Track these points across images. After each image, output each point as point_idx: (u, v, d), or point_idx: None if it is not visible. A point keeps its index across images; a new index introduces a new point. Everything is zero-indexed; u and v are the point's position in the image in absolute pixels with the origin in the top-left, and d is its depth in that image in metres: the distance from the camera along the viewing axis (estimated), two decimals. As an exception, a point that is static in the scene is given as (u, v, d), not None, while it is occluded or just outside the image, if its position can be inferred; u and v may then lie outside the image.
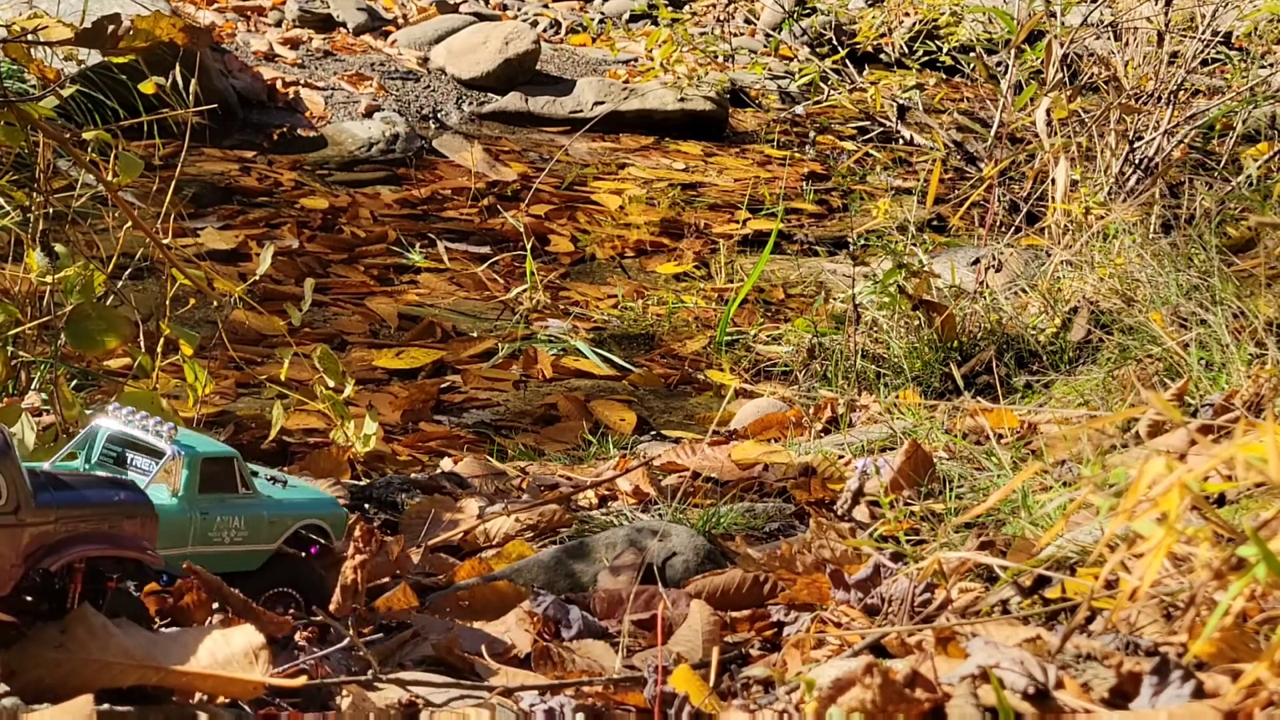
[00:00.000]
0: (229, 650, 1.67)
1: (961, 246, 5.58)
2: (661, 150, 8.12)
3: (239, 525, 2.20)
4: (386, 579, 2.63)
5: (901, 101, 7.18)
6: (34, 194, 3.04)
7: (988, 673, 1.60)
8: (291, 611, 2.22)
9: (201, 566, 2.09)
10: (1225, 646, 1.62)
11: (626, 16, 10.61)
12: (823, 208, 7.21)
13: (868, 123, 7.33)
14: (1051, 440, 3.33)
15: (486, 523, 2.87)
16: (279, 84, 8.01)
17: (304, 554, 2.30)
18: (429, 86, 8.54)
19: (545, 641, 2.26)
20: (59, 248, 2.80)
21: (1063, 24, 5.74)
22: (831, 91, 7.31)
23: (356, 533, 2.31)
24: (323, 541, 2.33)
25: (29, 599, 1.69)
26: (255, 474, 2.31)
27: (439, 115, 8.28)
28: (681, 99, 8.37)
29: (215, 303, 3.07)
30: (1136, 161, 5.58)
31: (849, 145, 8.03)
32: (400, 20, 9.59)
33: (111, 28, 2.47)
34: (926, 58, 7.71)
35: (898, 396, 4.05)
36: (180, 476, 2.14)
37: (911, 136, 7.16)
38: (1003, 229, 5.36)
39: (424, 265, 5.89)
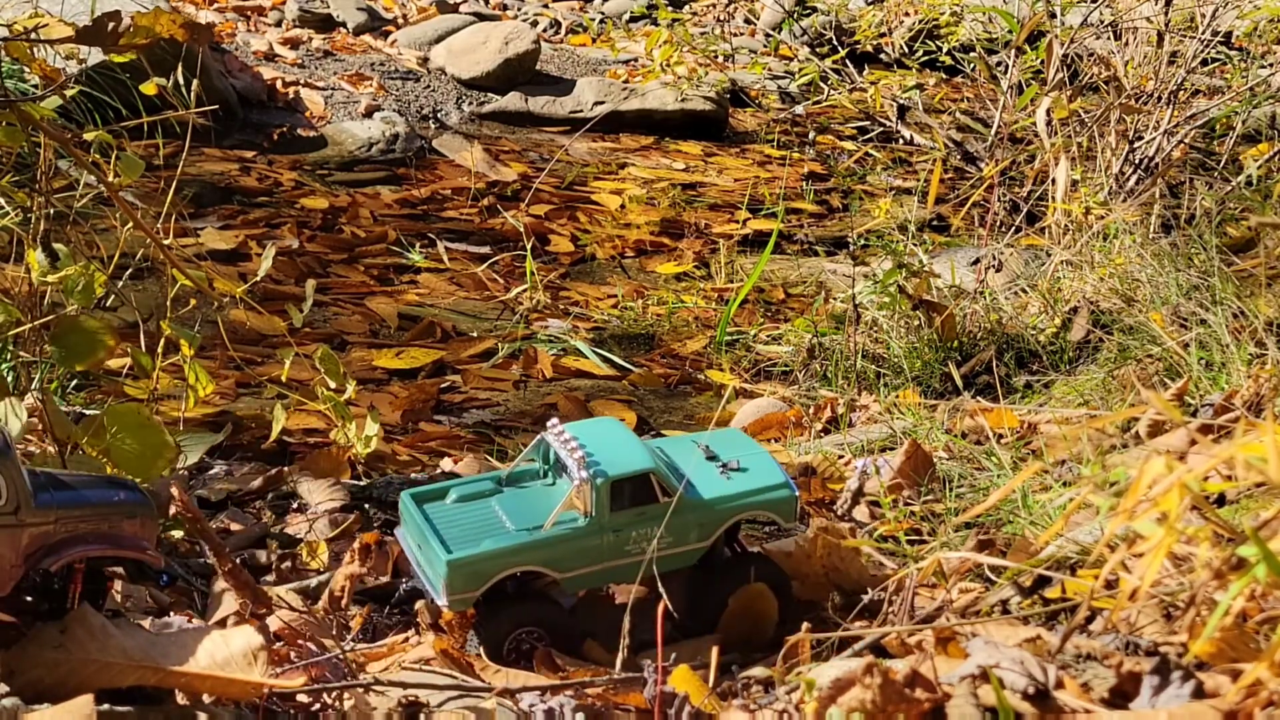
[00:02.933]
0: (228, 651, 1.67)
1: (961, 246, 5.58)
2: (661, 150, 8.12)
3: (661, 533, 2.29)
4: (387, 578, 2.63)
5: (901, 101, 7.18)
6: (35, 194, 3.04)
7: (988, 673, 1.60)
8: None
9: (626, 577, 2.29)
10: (1225, 646, 1.62)
11: (626, 16, 10.61)
12: (823, 208, 7.21)
13: (868, 123, 7.33)
14: (1051, 440, 3.33)
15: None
16: (279, 84, 8.01)
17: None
18: (429, 86, 8.54)
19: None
20: (60, 248, 2.80)
21: (1063, 24, 5.74)
22: (831, 91, 7.31)
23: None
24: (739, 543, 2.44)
25: (29, 599, 1.69)
26: (714, 459, 2.41)
27: (439, 115, 8.28)
28: (681, 99, 8.37)
29: (215, 303, 3.07)
30: (1136, 161, 5.58)
31: (849, 145, 8.03)
32: (400, 20, 9.58)
33: (112, 25, 2.47)
34: (926, 58, 7.71)
35: (898, 396, 4.05)
36: (590, 499, 2.27)
37: (911, 136, 7.16)
38: (1003, 229, 5.36)
39: (424, 265, 5.89)
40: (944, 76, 8.77)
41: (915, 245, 4.95)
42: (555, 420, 2.43)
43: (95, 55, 2.71)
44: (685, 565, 2.33)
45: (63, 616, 1.68)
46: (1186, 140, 5.94)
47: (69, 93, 2.87)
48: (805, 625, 2.18)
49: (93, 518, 1.66)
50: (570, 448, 2.32)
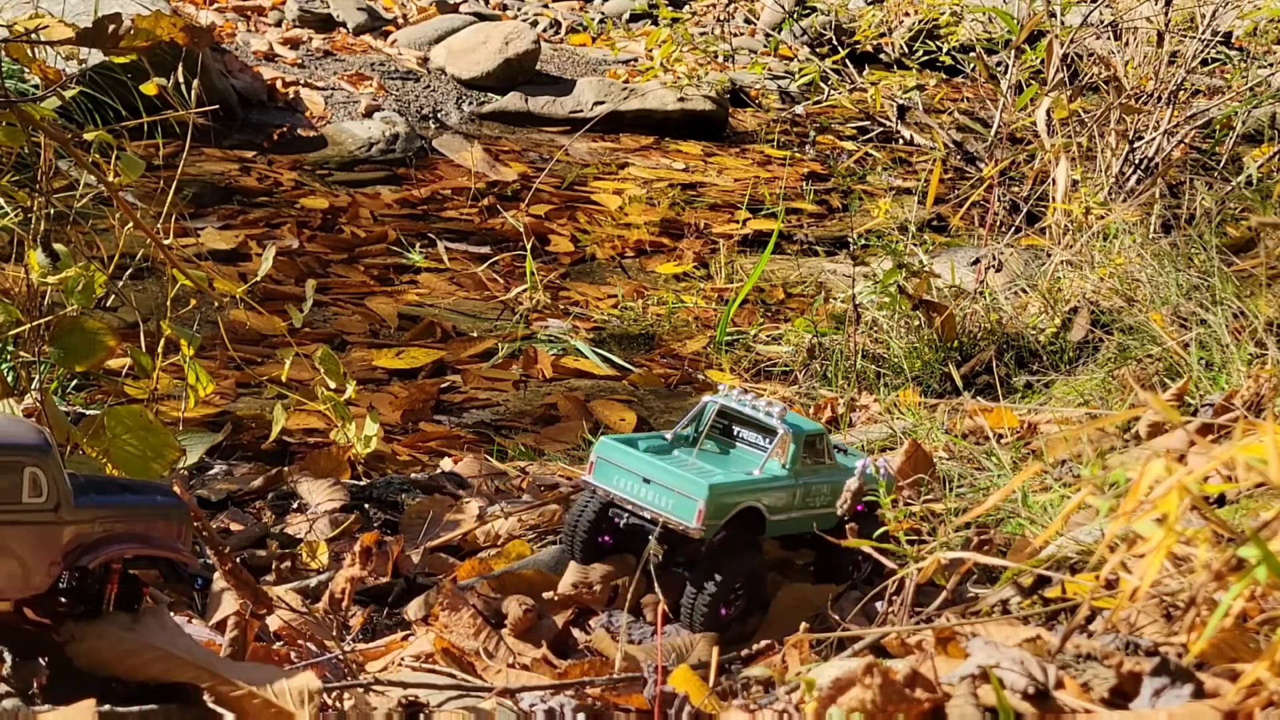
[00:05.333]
0: (284, 684, 1.69)
1: (961, 246, 5.58)
2: (661, 150, 8.12)
3: (826, 491, 2.51)
4: (387, 579, 2.63)
5: (901, 101, 7.18)
6: (35, 194, 3.04)
7: (988, 673, 1.60)
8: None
9: (796, 527, 2.48)
10: (1225, 646, 1.62)
11: (626, 16, 10.61)
12: (823, 208, 7.21)
13: (868, 123, 7.33)
14: (1051, 440, 3.33)
15: (487, 523, 2.87)
16: (279, 84, 8.01)
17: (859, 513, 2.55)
18: (429, 86, 8.54)
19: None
20: (60, 248, 2.80)
21: (1063, 24, 5.75)
22: (831, 91, 7.31)
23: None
24: (874, 499, 2.56)
25: (63, 602, 1.71)
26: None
27: (439, 115, 8.28)
28: (681, 99, 8.37)
29: (215, 303, 3.07)
30: (1136, 161, 5.58)
31: (849, 145, 8.03)
32: (400, 20, 9.59)
33: (112, 27, 2.47)
34: (926, 58, 7.71)
35: (898, 396, 4.05)
36: (789, 451, 2.47)
37: (911, 136, 7.16)
38: (1003, 229, 5.36)
39: (424, 265, 5.89)
40: (944, 76, 8.77)
41: (915, 245, 4.95)
42: (725, 386, 2.61)
43: (95, 56, 2.71)
44: (828, 527, 2.51)
45: (98, 618, 1.69)
46: (1186, 140, 5.94)
47: (69, 93, 2.87)
48: (804, 625, 2.18)
49: (129, 519, 1.69)
50: (762, 406, 2.51)
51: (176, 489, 1.83)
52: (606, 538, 2.49)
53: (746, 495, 2.41)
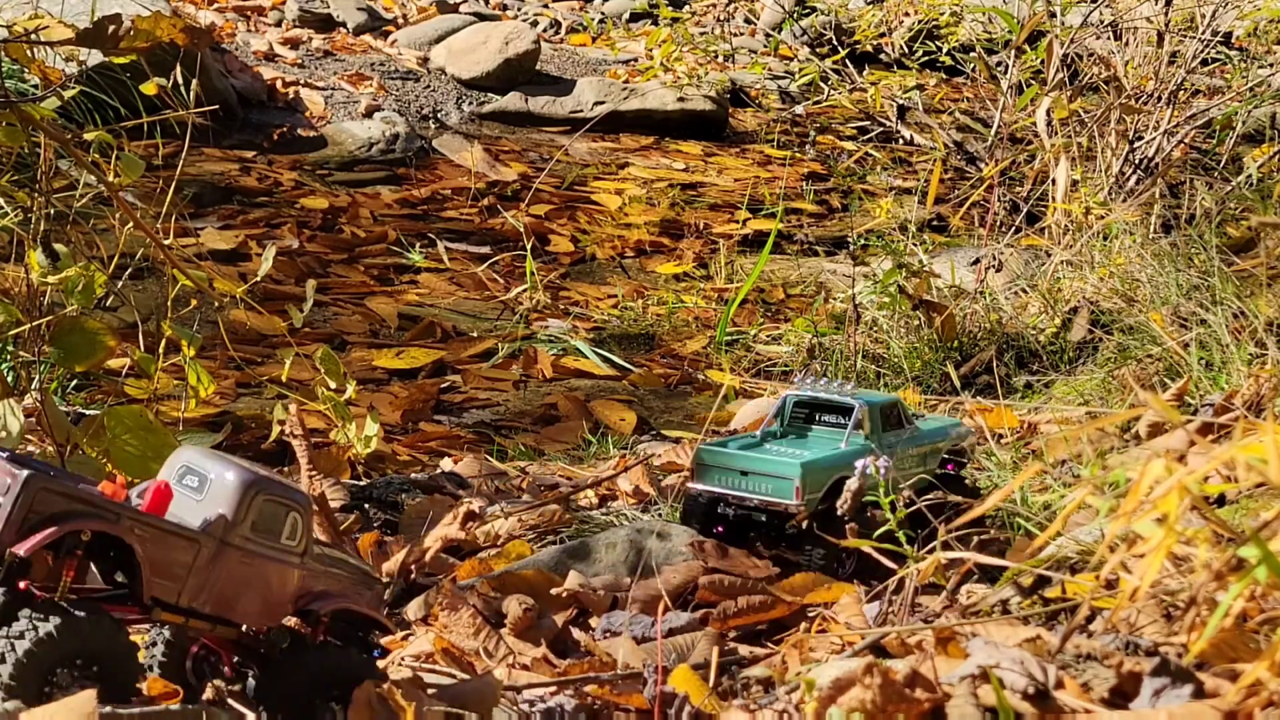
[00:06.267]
0: None
1: (961, 246, 5.58)
2: (661, 150, 8.12)
3: (914, 454, 2.79)
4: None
5: (901, 101, 7.18)
6: (35, 194, 3.04)
7: (988, 673, 1.60)
8: None
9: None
10: (1225, 646, 1.62)
11: (626, 16, 10.61)
12: (823, 208, 7.21)
13: (868, 123, 7.33)
14: (1051, 440, 3.33)
15: (487, 523, 2.87)
16: (279, 84, 8.01)
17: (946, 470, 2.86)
18: (429, 86, 8.53)
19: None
20: (60, 248, 2.80)
21: (1063, 24, 5.74)
22: (831, 91, 7.30)
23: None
24: (961, 460, 2.90)
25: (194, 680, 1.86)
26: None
27: (439, 115, 8.27)
28: (681, 99, 8.36)
29: (215, 303, 3.06)
30: (1136, 161, 5.57)
31: (849, 145, 8.02)
32: (400, 20, 9.58)
33: (112, 28, 2.47)
34: (926, 58, 7.71)
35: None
36: (869, 420, 2.74)
37: (911, 136, 7.16)
38: (1003, 229, 5.36)
39: (424, 265, 5.89)
40: (944, 76, 8.77)
41: (915, 245, 4.95)
42: (800, 374, 2.91)
43: (95, 56, 2.71)
44: (922, 487, 2.70)
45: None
46: (1186, 140, 5.94)
47: (69, 93, 2.87)
48: (803, 625, 2.18)
49: (341, 580, 1.86)
50: (835, 388, 2.79)
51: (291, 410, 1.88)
52: (719, 528, 2.71)
53: (838, 468, 2.64)
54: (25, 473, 1.63)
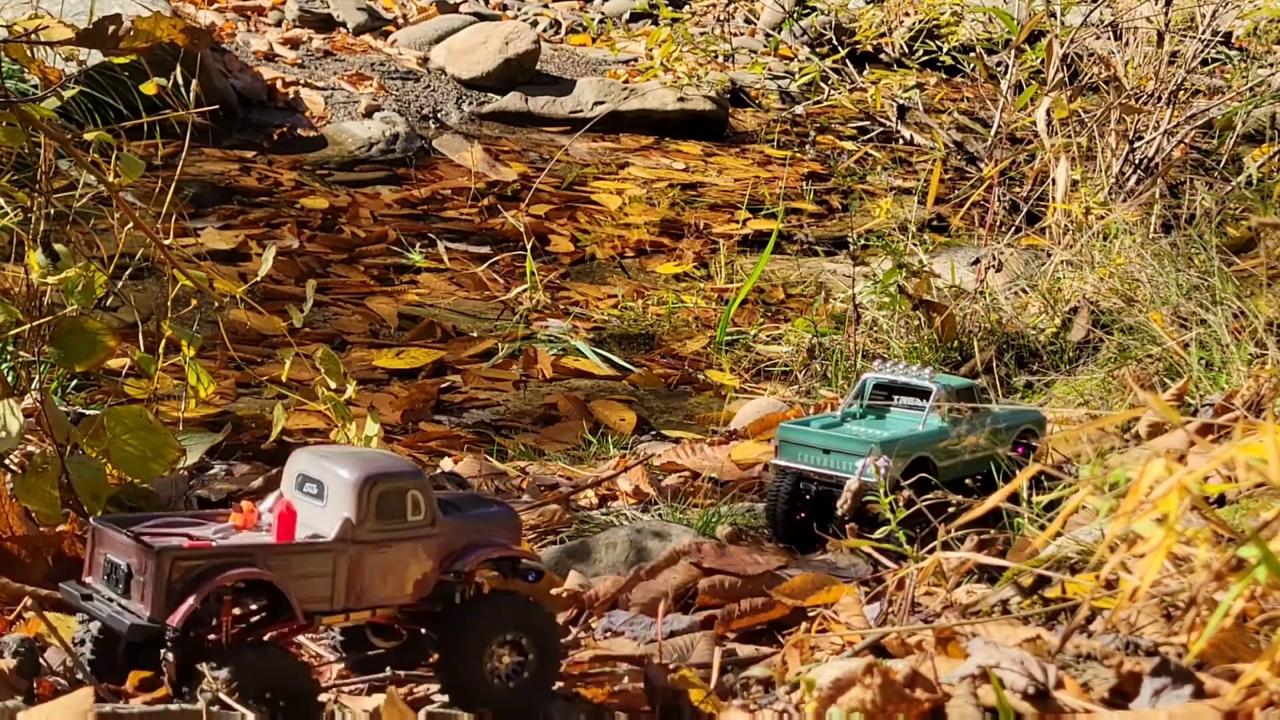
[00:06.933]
0: None
1: (961, 246, 5.58)
2: (661, 150, 8.12)
3: (987, 436, 2.90)
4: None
5: (901, 101, 7.18)
6: (35, 194, 3.04)
7: (988, 673, 1.60)
8: None
9: (965, 472, 2.86)
10: (1225, 646, 1.62)
11: (626, 16, 10.61)
12: (823, 208, 7.21)
13: (868, 123, 7.33)
14: (1051, 440, 3.33)
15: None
16: (279, 84, 8.01)
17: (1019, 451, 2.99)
18: (429, 86, 8.53)
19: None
20: (60, 248, 2.80)
21: (1063, 24, 5.74)
22: (831, 91, 7.30)
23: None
24: (1033, 444, 3.02)
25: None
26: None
27: (439, 115, 8.27)
28: (681, 99, 8.36)
29: (215, 303, 3.06)
30: (1136, 161, 5.57)
31: (849, 145, 8.02)
32: (400, 20, 9.58)
33: (112, 28, 2.47)
34: (926, 58, 7.70)
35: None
36: (945, 406, 2.87)
37: (911, 136, 7.16)
38: (1003, 229, 5.36)
39: (424, 265, 5.89)
40: (944, 76, 8.77)
41: (915, 245, 4.95)
42: (878, 361, 3.08)
43: (95, 55, 2.71)
44: (981, 471, 2.87)
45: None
46: (1186, 140, 5.94)
47: (69, 93, 2.87)
48: (804, 625, 2.18)
49: (478, 529, 1.92)
50: (914, 371, 2.91)
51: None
52: (802, 513, 2.82)
53: (916, 448, 2.77)
54: (158, 546, 1.73)
